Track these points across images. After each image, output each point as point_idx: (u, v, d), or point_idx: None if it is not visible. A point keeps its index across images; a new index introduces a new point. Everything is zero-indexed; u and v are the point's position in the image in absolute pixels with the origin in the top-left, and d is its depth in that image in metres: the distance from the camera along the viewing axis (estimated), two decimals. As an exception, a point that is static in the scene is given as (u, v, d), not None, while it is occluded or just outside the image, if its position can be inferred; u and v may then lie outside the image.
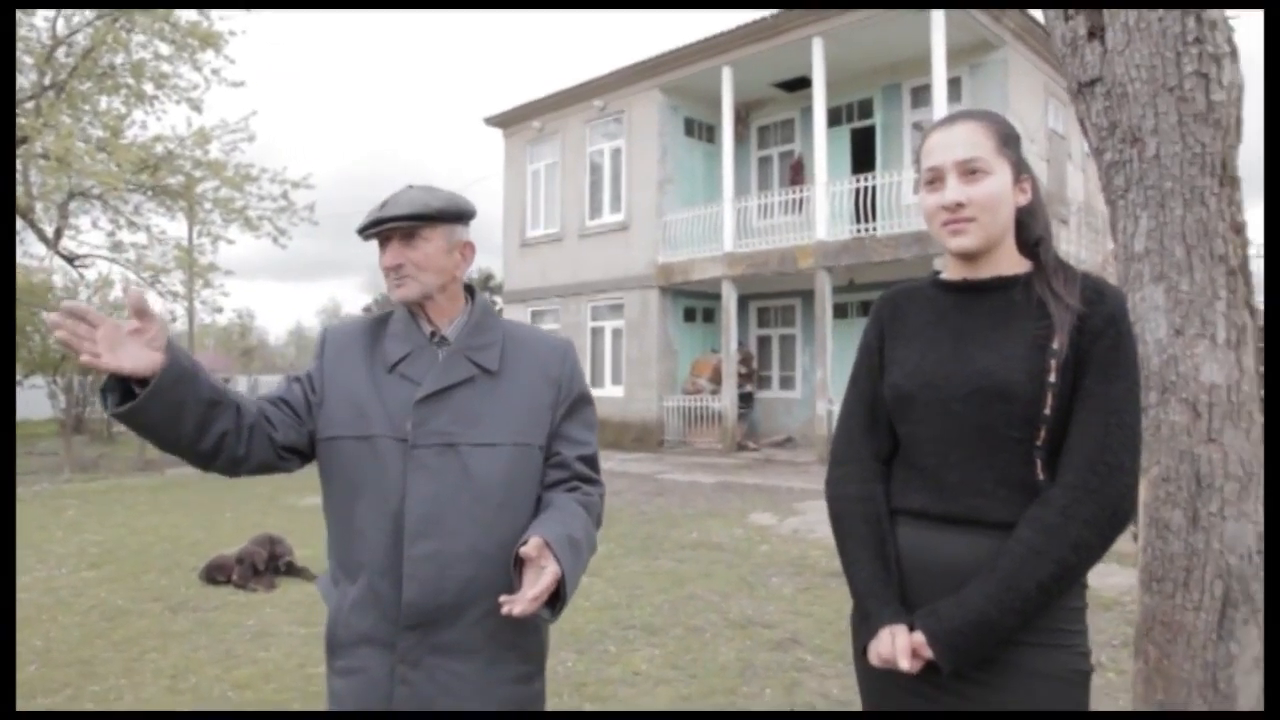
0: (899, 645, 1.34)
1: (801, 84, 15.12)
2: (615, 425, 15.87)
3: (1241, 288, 1.86)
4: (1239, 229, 1.87)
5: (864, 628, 1.43)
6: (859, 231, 13.29)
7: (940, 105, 12.33)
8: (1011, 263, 1.46)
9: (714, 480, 11.47)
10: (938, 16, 12.00)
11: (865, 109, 15.21)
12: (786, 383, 16.84)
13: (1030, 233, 1.48)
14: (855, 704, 3.74)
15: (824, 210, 13.51)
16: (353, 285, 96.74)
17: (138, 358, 1.37)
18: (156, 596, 5.74)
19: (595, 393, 16.44)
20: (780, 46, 13.72)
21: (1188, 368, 1.84)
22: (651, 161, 15.59)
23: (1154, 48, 1.80)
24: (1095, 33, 1.95)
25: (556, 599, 1.47)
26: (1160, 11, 1.77)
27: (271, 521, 8.43)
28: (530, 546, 1.44)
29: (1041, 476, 1.36)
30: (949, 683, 1.36)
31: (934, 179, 1.44)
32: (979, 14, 12.59)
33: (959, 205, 1.40)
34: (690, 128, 16.25)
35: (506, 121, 18.26)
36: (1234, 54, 1.80)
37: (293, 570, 6.13)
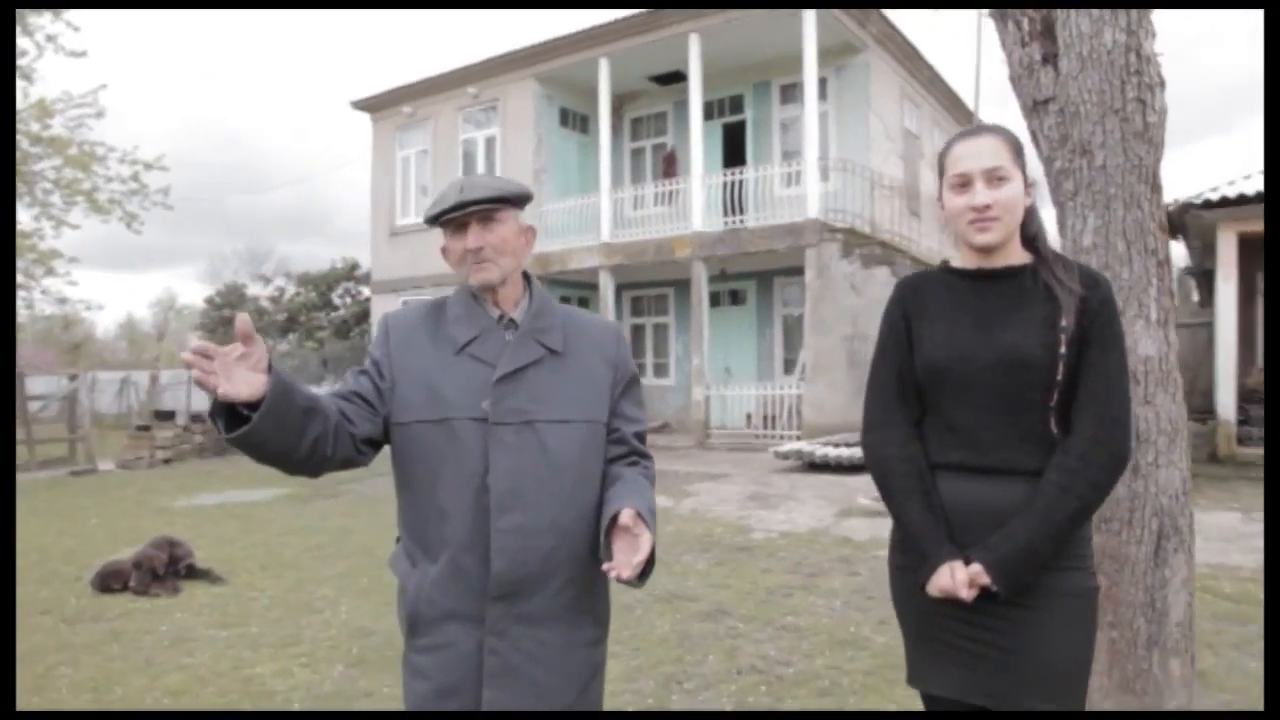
0: (958, 578, 1.60)
1: (675, 78, 15.50)
2: (494, 415, 15.82)
3: (1167, 276, 2.25)
4: (1164, 228, 2.26)
5: (922, 566, 1.67)
6: (730, 223, 13.80)
7: (811, 103, 13.00)
8: (1017, 254, 1.73)
9: (601, 466, 11.67)
10: (809, 19, 12.62)
11: (736, 105, 15.76)
12: (660, 370, 17.25)
13: (1029, 229, 1.76)
14: (792, 664, 4.07)
15: (700, 202, 13.95)
16: (188, 275, 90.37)
17: (250, 382, 1.43)
18: (44, 609, 5.39)
19: (473, 383, 16.37)
20: (656, 41, 14.03)
21: (1128, 343, 2.20)
22: (527, 151, 15.59)
23: (1104, 75, 2.14)
24: (1048, 59, 2.28)
25: (645, 565, 1.57)
26: (1109, 45, 2.12)
27: (147, 525, 8.02)
28: (627, 517, 1.55)
29: (1055, 431, 1.65)
30: (991, 608, 1.62)
31: (963, 183, 1.68)
32: (845, 18, 13.32)
33: (987, 207, 1.66)
34: (565, 118, 16.35)
35: (375, 106, 17.75)
36: (1163, 84, 2.17)
37: (195, 573, 5.90)
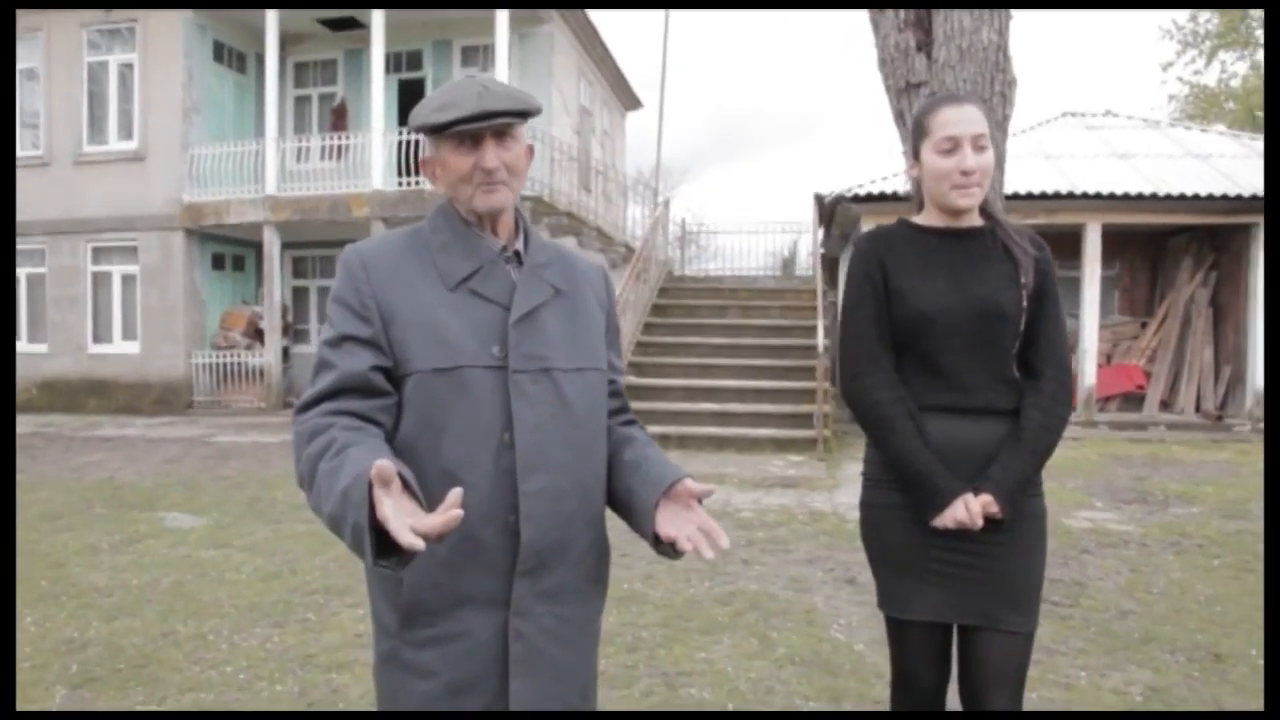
0: (973, 509, 1.75)
1: (348, 24, 14.47)
2: (130, 386, 13.75)
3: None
4: (1002, 201, 2.62)
5: (929, 501, 1.79)
6: (406, 184, 13.28)
7: (502, 68, 12.91)
8: (975, 216, 1.90)
9: (277, 440, 10.70)
10: (501, -19, 12.44)
11: (415, 61, 15.12)
12: (327, 337, 16.16)
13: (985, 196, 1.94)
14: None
15: (380, 160, 13.24)
16: None
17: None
18: None
19: (102, 350, 14.05)
20: (335, -19, 12.96)
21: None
22: (174, 85, 13.59)
23: (978, 68, 2.41)
24: (922, 47, 2.52)
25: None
26: (985, 42, 2.40)
27: None
28: (696, 486, 1.43)
29: (1016, 374, 1.86)
30: (975, 534, 1.78)
31: (953, 147, 1.79)
32: (534, -13, 13.34)
33: (973, 171, 1.79)
34: (220, 53, 14.48)
35: (-42, 6, 14.24)
36: (1015, 82, 2.51)
37: None
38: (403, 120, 14.66)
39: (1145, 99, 49.37)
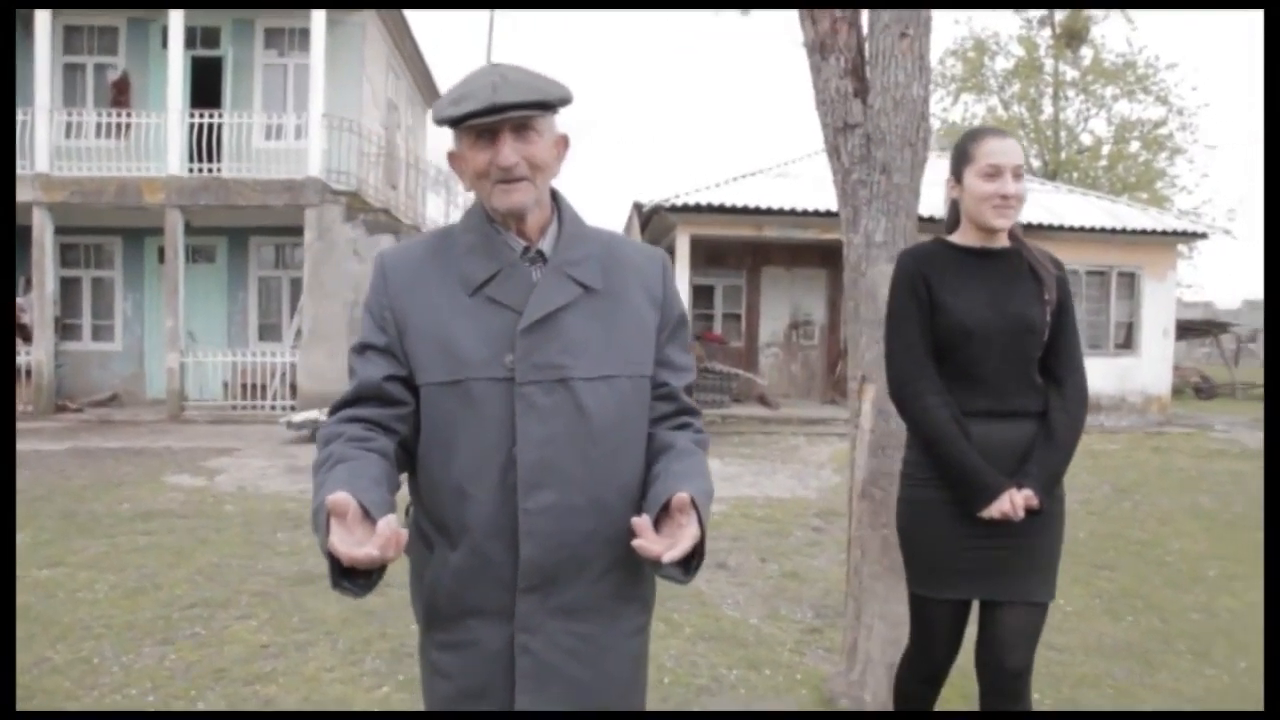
0: (1017, 501, 2.00)
1: (134, -10, 13.25)
2: None
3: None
4: (918, 231, 3.07)
5: (976, 496, 2.02)
6: (200, 169, 12.45)
7: (318, 54, 12.44)
8: (1004, 237, 2.12)
9: (64, 447, 9.72)
10: (317, -35, 11.94)
11: (211, 38, 14.06)
12: (102, 333, 14.73)
13: None
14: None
15: (177, 142, 12.28)
16: None
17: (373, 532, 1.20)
18: None
19: None
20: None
21: (903, 318, 2.96)
22: (-83, 42, 11.83)
23: (908, 117, 2.84)
24: (858, 93, 2.92)
25: (692, 557, 1.35)
26: (915, 96, 2.83)
27: None
28: (679, 501, 1.31)
29: (1039, 380, 2.12)
30: (1020, 523, 2.02)
31: (995, 173, 2.01)
32: (350, -28, 12.89)
33: (1012, 196, 2.02)
34: (-26, 9, 12.75)
35: None
36: (931, 129, 2.97)
37: None
38: (196, 101, 13.62)
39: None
